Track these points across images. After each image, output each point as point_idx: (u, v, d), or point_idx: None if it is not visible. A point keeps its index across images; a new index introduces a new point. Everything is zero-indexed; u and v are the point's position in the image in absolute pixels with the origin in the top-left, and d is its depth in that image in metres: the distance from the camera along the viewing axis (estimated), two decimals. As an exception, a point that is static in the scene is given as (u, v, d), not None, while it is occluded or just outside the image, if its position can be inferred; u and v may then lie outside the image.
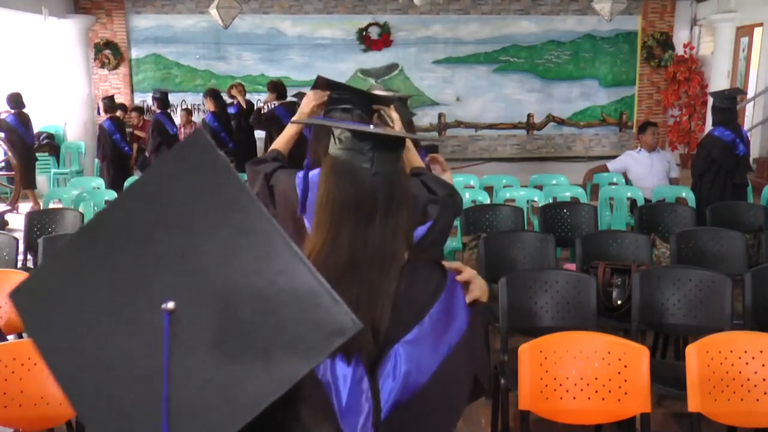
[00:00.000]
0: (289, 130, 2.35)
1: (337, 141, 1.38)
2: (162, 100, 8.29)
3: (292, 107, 7.53)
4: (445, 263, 1.44)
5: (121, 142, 8.10)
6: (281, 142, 2.35)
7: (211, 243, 0.70)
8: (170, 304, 0.68)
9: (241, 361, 0.66)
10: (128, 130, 8.86)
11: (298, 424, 0.78)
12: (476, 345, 1.40)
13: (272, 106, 7.77)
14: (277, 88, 7.76)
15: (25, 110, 8.49)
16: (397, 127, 2.10)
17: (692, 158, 6.69)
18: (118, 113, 8.52)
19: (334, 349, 0.67)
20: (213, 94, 8.22)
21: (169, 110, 8.49)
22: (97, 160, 8.58)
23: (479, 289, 1.43)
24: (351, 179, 1.33)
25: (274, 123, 7.42)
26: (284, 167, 2.18)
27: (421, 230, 1.88)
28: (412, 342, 1.29)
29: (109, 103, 8.19)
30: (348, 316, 0.67)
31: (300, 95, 8.16)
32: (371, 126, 1.48)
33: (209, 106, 8.22)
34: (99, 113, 7.95)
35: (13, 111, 8.35)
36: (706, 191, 5.94)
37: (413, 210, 1.56)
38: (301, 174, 1.93)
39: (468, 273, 1.42)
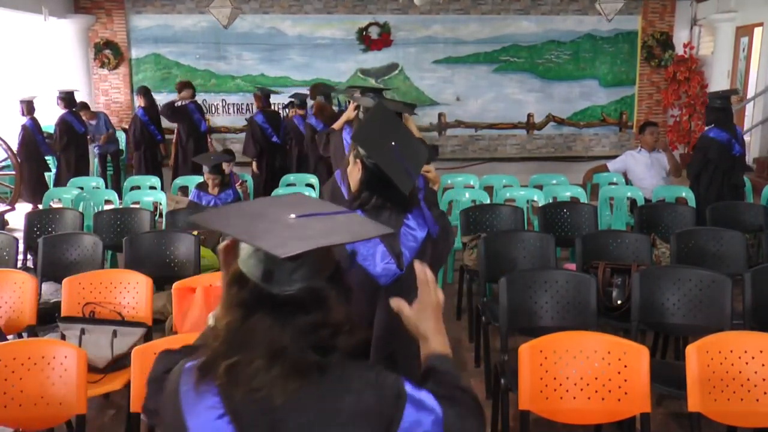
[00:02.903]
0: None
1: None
2: (68, 100, 8.47)
3: (201, 107, 8.65)
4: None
5: (42, 143, 8.33)
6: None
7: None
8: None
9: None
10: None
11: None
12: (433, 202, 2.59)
13: (185, 102, 8.38)
14: (189, 87, 8.56)
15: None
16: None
17: (689, 159, 6.69)
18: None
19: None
20: (144, 92, 8.61)
21: (75, 109, 8.63)
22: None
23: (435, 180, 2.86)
24: None
25: (185, 116, 8.29)
26: None
27: None
28: None
29: (28, 106, 8.30)
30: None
31: (297, 95, 8.19)
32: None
33: (140, 102, 8.55)
34: (23, 114, 8.18)
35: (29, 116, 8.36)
36: (704, 192, 5.93)
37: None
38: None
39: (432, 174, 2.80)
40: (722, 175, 5.90)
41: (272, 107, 8.79)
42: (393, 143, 2.09)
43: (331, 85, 9.30)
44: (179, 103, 8.33)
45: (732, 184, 5.91)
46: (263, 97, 8.47)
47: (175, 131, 8.62)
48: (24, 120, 8.27)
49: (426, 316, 1.45)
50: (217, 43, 10.33)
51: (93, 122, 9.16)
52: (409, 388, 1.27)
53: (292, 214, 1.21)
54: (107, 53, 10.24)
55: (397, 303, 1.46)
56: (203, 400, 1.21)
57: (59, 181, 8.33)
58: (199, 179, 6.23)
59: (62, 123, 8.35)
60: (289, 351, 1.17)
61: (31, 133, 8.28)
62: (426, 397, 1.27)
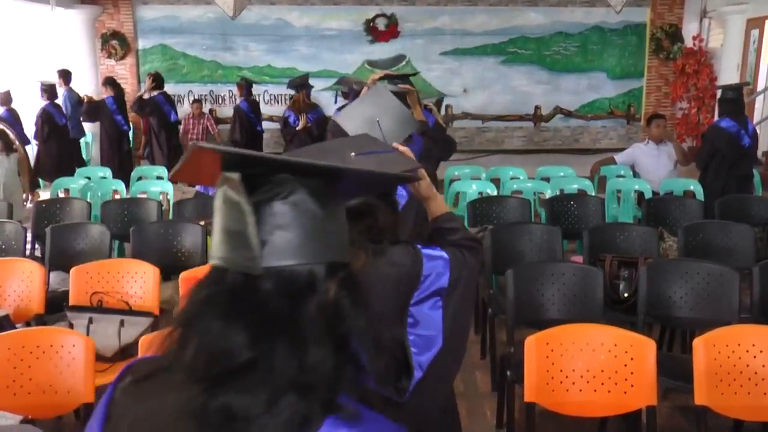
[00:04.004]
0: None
1: None
2: (50, 92, 8.50)
3: (170, 97, 8.64)
4: None
5: (21, 134, 8.36)
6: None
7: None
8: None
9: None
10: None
11: None
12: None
13: (153, 94, 8.43)
14: (157, 78, 8.54)
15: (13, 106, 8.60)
16: None
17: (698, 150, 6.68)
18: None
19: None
20: (112, 82, 8.66)
21: (56, 101, 8.64)
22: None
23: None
24: None
25: (155, 109, 8.35)
26: None
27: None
28: None
29: (5, 97, 8.44)
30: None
31: (295, 84, 8.27)
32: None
33: (108, 92, 8.57)
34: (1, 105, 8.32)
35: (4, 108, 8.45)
36: (711, 182, 5.94)
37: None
38: None
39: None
40: (729, 166, 5.90)
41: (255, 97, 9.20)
42: (377, 119, 2.46)
43: (307, 75, 9.29)
44: (147, 96, 8.40)
45: (739, 176, 5.90)
46: (246, 86, 8.77)
47: (145, 123, 8.70)
48: (0, 111, 8.34)
49: (427, 181, 1.92)
50: (223, 34, 10.32)
51: (64, 92, 9.06)
52: (421, 248, 1.75)
53: (353, 153, 1.64)
54: (114, 44, 10.24)
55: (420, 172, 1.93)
56: None
57: (39, 172, 8.39)
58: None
59: (43, 114, 8.42)
60: (355, 241, 1.53)
61: (10, 124, 8.32)
62: (433, 250, 1.76)
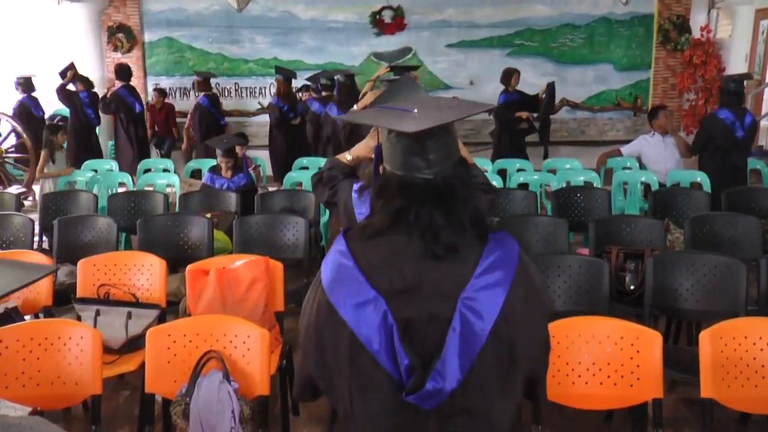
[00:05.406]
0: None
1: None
2: (26, 85, 8.67)
3: (133, 89, 8.67)
4: None
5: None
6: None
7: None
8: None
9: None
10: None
11: None
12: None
13: (114, 89, 8.51)
14: (122, 72, 8.72)
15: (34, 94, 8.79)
16: None
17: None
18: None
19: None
20: (82, 79, 8.78)
21: (33, 94, 8.79)
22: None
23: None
24: None
25: (120, 104, 8.41)
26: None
27: None
28: None
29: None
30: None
31: (315, 78, 8.27)
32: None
33: (79, 86, 8.67)
34: None
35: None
36: (704, 169, 6.03)
37: None
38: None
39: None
40: (722, 155, 5.94)
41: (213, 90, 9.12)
42: (413, 107, 2.68)
43: (290, 69, 9.28)
44: (109, 93, 8.48)
45: (732, 165, 5.94)
46: (203, 81, 8.75)
47: (113, 117, 8.77)
48: None
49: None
50: (230, 27, 10.30)
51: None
52: None
53: (416, 109, 1.64)
54: (120, 37, 10.24)
55: None
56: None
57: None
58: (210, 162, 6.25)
59: (20, 107, 8.58)
60: None
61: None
62: None
